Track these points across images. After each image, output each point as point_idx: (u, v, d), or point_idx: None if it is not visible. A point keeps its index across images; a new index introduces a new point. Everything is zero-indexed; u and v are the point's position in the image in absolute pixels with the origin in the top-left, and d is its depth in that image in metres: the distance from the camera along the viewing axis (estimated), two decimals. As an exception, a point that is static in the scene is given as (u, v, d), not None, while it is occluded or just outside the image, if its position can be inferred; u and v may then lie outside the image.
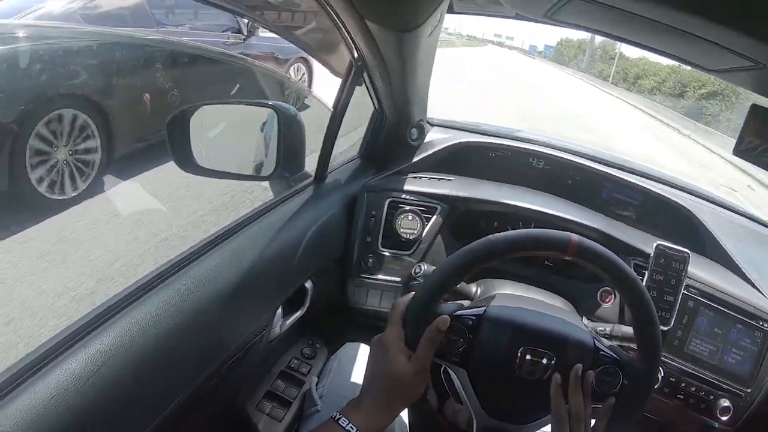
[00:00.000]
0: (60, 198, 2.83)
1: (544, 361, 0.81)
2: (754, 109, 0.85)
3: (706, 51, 0.99)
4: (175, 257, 0.84)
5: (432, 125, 1.55)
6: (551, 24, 0.91)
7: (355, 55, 1.07)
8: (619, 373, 0.82)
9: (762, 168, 0.86)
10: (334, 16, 0.95)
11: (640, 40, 1.04)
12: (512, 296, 1.00)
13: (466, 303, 0.89)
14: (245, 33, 4.61)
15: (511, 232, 0.80)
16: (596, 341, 0.85)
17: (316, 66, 5.51)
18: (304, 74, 5.67)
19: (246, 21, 4.50)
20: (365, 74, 1.11)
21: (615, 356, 0.84)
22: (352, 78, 1.09)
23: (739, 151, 0.87)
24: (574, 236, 0.79)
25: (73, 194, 2.89)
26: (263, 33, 4.74)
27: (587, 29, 1.01)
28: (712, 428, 1.27)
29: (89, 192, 2.94)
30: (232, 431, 1.12)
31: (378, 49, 0.99)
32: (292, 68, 5.47)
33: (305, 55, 5.22)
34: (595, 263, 0.80)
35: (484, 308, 0.85)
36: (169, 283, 0.78)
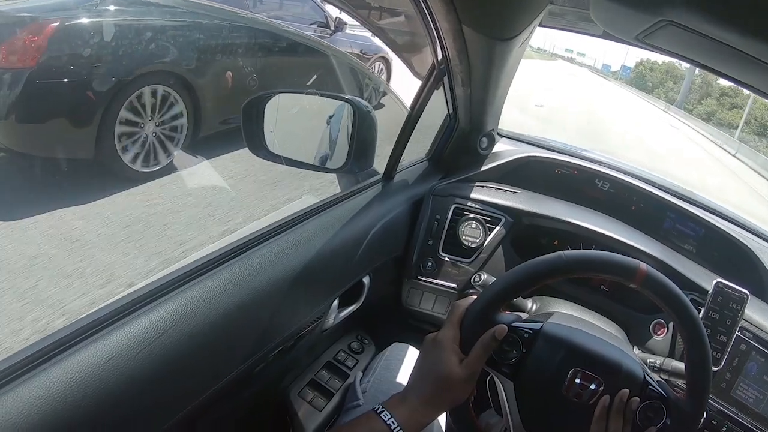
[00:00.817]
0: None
1: (593, 386, 0.80)
2: None
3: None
4: (243, 237, 0.86)
5: (501, 136, 1.55)
6: (640, 47, 0.90)
7: (440, 57, 1.08)
8: (664, 410, 0.81)
9: None
10: (429, 18, 0.95)
11: (739, 77, 1.02)
12: (569, 316, 1.00)
13: (523, 316, 0.89)
14: (332, 28, 4.74)
15: (581, 252, 0.80)
16: (646, 374, 0.84)
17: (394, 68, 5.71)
18: (383, 72, 5.86)
19: (334, 16, 4.60)
20: (445, 78, 1.12)
21: (663, 392, 0.83)
22: (432, 81, 1.10)
23: None
24: (643, 264, 0.78)
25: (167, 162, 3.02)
26: (349, 30, 4.82)
27: (679, 57, 1.00)
28: None
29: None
30: (274, 413, 1.14)
31: (467, 55, 1.00)
32: (372, 66, 5.66)
33: (386, 54, 5.46)
34: (659, 295, 0.79)
35: (541, 324, 0.84)
36: (236, 262, 0.79)
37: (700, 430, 1.18)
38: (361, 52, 5.30)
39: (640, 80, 66.77)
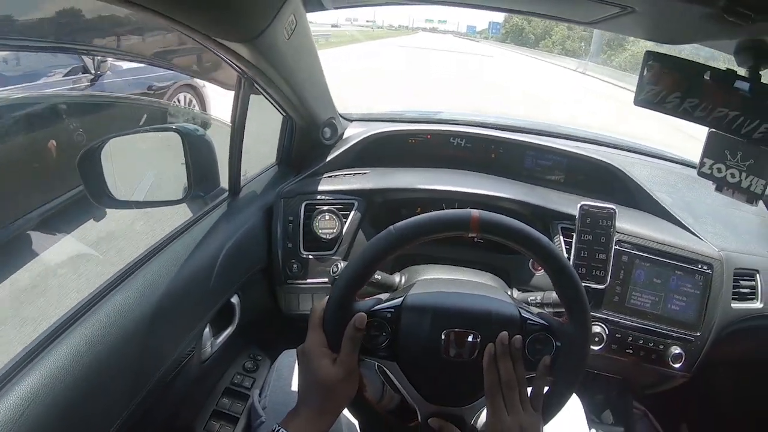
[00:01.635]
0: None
1: (470, 339, 0.80)
2: (648, 55, 0.85)
3: (578, 4, 0.98)
4: (88, 295, 0.83)
5: (351, 121, 1.54)
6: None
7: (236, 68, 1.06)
8: (551, 338, 0.81)
9: (667, 114, 0.86)
10: (194, 39, 0.93)
11: (517, 7, 1.04)
12: (431, 281, 1.00)
13: (384, 296, 0.88)
14: (92, 71, 3.58)
15: (410, 219, 0.79)
16: (522, 311, 0.84)
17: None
18: (192, 102, 4.60)
19: (93, 58, 3.51)
20: (257, 84, 1.11)
21: (544, 323, 0.83)
22: (243, 90, 1.09)
23: (640, 101, 0.87)
24: (474, 211, 0.78)
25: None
26: (125, 65, 3.79)
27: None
28: (670, 377, 1.26)
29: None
30: None
31: (247, 61, 0.98)
32: (176, 98, 4.47)
33: (191, 81, 4.32)
34: (500, 235, 0.79)
35: (402, 298, 0.84)
36: (78, 327, 0.77)
37: (608, 346, 1.20)
38: (149, 88, 4.10)
39: (517, 35, 58.72)
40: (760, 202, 0.92)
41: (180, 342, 0.95)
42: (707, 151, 0.87)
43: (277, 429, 0.74)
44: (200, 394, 1.13)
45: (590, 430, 1.40)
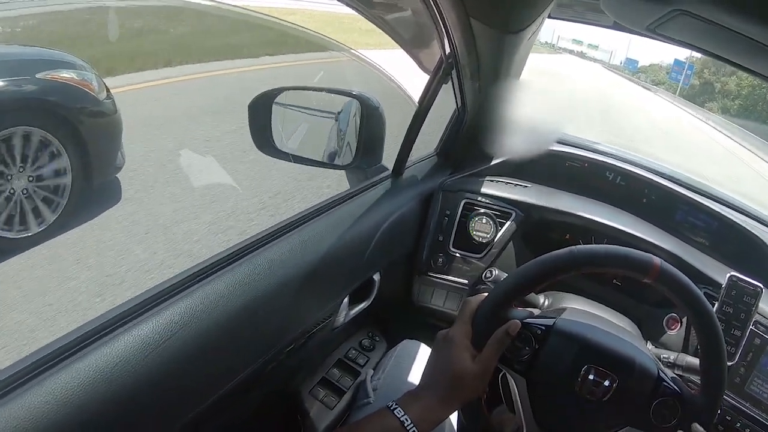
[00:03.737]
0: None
1: (607, 383, 0.79)
2: None
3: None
4: (250, 237, 0.85)
5: None
6: (652, 38, 0.88)
7: (447, 51, 1.06)
8: (678, 407, 0.80)
9: None
10: (436, 10, 0.93)
11: (751, 66, 0.99)
12: (582, 312, 0.99)
13: (535, 312, 0.88)
14: None
15: (594, 246, 0.78)
16: (660, 370, 0.83)
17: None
18: None
19: None
20: (453, 72, 1.10)
21: (677, 389, 0.81)
22: (441, 75, 1.09)
23: None
24: (657, 259, 0.77)
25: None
26: None
27: (691, 47, 0.97)
28: None
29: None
30: (285, 412, 1.13)
31: (475, 47, 0.98)
32: None
33: None
34: (673, 290, 0.78)
35: (554, 320, 0.83)
36: (243, 262, 0.79)
37: (715, 425, 1.16)
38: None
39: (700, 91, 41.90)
40: None
41: (324, 306, 0.96)
42: None
43: (393, 407, 0.73)
44: (318, 360, 1.14)
45: None
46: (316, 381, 1.15)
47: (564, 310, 0.92)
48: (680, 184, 1.39)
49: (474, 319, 0.79)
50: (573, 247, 0.78)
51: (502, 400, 1.13)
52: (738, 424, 1.16)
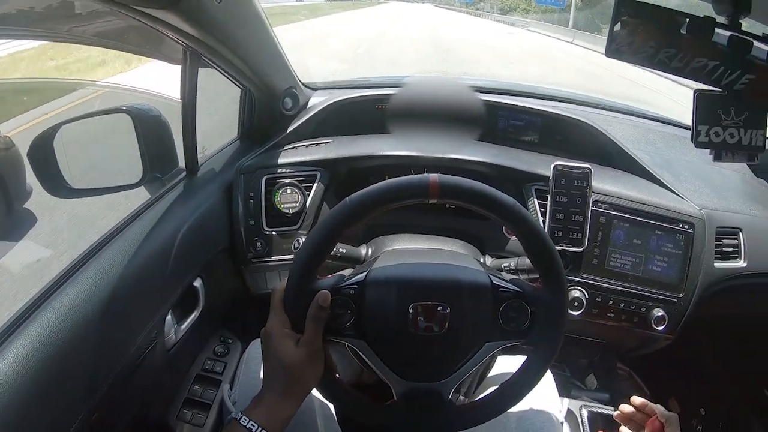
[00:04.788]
0: None
1: (438, 311, 0.76)
2: (620, 3, 0.79)
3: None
4: (33, 295, 0.78)
5: (315, 90, 1.48)
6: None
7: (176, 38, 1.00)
8: (526, 306, 0.78)
9: (640, 65, 0.81)
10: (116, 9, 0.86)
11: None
12: (397, 252, 0.96)
13: (348, 272, 0.84)
14: None
15: (365, 189, 0.74)
16: (494, 278, 0.80)
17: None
18: None
19: None
20: (203, 57, 1.04)
21: (517, 289, 0.79)
22: (189, 64, 1.03)
23: (611, 51, 0.82)
24: (433, 176, 0.73)
25: None
26: None
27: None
28: (653, 340, 1.24)
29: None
30: None
31: (179, 29, 0.92)
32: None
33: None
34: (463, 199, 0.75)
35: (365, 273, 0.80)
36: (33, 320, 0.73)
37: (588, 310, 1.17)
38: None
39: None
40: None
41: (139, 333, 0.90)
42: (700, 118, 0.80)
43: (240, 417, 0.71)
44: (170, 384, 1.10)
45: (574, 395, 1.39)
46: (180, 404, 1.12)
47: (377, 258, 0.88)
48: (495, 92, 1.37)
49: (284, 305, 0.76)
50: (347, 198, 0.74)
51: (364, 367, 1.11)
52: (611, 302, 1.17)
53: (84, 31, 1.03)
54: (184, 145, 1.10)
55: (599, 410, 1.25)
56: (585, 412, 1.23)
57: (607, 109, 1.54)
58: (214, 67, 1.09)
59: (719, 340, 1.63)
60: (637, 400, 1.05)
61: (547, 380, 1.11)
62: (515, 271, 1.07)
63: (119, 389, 0.86)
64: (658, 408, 1.03)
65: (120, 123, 1.15)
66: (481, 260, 1.15)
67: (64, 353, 0.73)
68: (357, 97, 1.32)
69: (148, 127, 1.08)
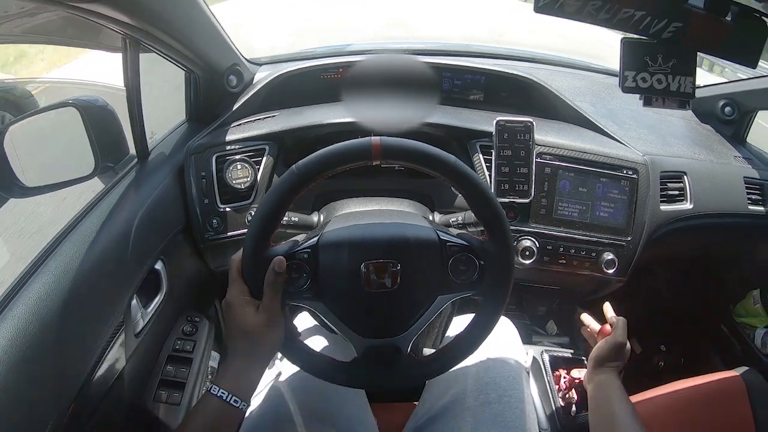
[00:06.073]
0: None
1: (390, 268, 0.79)
2: None
3: None
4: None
5: (260, 65, 1.49)
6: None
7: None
8: (474, 258, 0.82)
9: (570, 19, 0.84)
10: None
11: None
12: (347, 215, 0.99)
13: (301, 237, 0.87)
14: None
15: (310, 156, 0.77)
16: (441, 233, 0.84)
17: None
18: None
19: None
20: (141, 41, 1.05)
21: (464, 243, 0.82)
22: (130, 51, 1.03)
23: (540, 7, 0.84)
24: (375, 138, 0.76)
25: None
26: None
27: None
28: (606, 283, 1.30)
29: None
30: (142, 429, 1.12)
31: (117, 21, 0.92)
32: None
33: None
34: (405, 159, 0.78)
35: (317, 237, 0.83)
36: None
37: (540, 259, 1.21)
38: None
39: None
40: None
41: (106, 321, 0.92)
42: (626, 63, 0.84)
43: (210, 387, 0.74)
44: (142, 367, 1.12)
45: (536, 342, 1.45)
46: (156, 385, 1.14)
47: (329, 222, 0.91)
48: (439, 54, 1.39)
49: (242, 274, 0.79)
50: (293, 165, 0.77)
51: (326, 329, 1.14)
52: (561, 249, 1.22)
53: (14, 28, 1.02)
54: (132, 132, 1.11)
55: (560, 354, 1.31)
56: (546, 357, 1.29)
57: (551, 64, 1.57)
58: (154, 52, 1.09)
59: (673, 280, 1.69)
60: (585, 318, 1.15)
61: (512, 331, 1.16)
62: (463, 225, 1.11)
63: (92, 378, 0.89)
64: (607, 312, 1.10)
65: (68, 117, 1.16)
66: (430, 217, 1.18)
67: (34, 350, 0.74)
68: (301, 68, 1.33)
69: (96, 118, 1.07)
